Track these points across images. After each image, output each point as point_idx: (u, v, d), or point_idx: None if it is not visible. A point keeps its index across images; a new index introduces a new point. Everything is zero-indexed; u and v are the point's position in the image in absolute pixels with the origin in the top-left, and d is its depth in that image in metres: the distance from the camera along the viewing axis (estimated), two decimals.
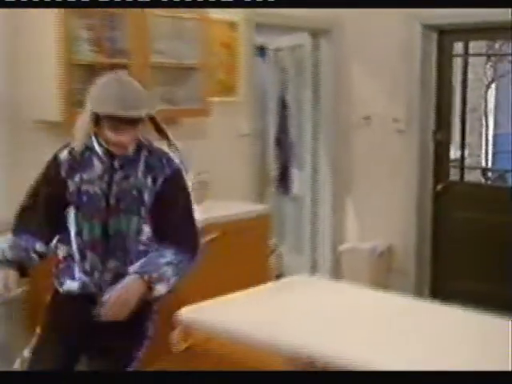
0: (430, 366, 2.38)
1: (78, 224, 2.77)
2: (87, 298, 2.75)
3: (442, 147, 5.92)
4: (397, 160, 5.90)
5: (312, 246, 6.39)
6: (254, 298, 3.10)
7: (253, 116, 5.55)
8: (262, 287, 3.37)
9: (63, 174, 2.77)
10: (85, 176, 2.75)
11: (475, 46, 6.03)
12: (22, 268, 2.73)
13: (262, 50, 6.46)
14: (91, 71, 4.27)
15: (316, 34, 6.12)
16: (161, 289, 2.66)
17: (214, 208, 4.70)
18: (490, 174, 10.21)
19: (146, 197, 2.74)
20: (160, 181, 2.75)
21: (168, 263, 2.66)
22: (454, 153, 6.06)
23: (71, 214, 2.78)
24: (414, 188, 5.87)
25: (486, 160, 11.92)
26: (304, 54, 6.27)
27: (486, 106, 12.02)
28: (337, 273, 6.07)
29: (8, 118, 4.07)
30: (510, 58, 6.89)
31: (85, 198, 2.74)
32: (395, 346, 2.57)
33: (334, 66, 6.10)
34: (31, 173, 2.89)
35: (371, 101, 5.99)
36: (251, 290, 3.19)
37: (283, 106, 6.72)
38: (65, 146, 2.83)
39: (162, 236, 2.75)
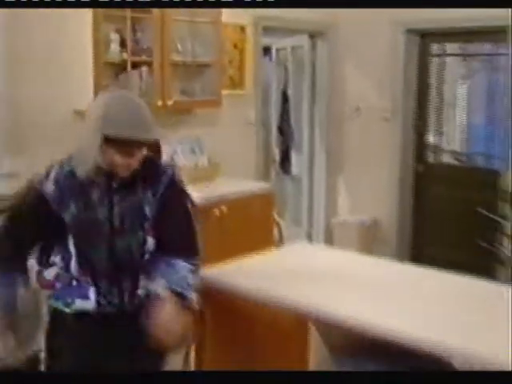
0: (420, 317, 2.40)
1: (80, 251, 2.29)
2: (104, 317, 2.31)
3: (421, 134, 5.93)
4: (383, 145, 5.90)
5: (308, 219, 6.42)
6: (261, 262, 3.10)
7: (258, 107, 5.56)
8: (267, 253, 3.37)
9: (54, 207, 2.26)
10: (81, 203, 2.26)
11: (451, 47, 6.02)
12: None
13: (267, 50, 6.44)
14: (119, 68, 4.30)
15: (314, 36, 6.10)
16: (193, 296, 2.27)
17: (224, 186, 4.76)
18: (462, 157, 10.19)
19: (148, 211, 2.29)
20: (160, 191, 2.31)
21: (189, 270, 2.27)
22: (433, 139, 6.07)
23: (70, 241, 2.29)
24: (397, 169, 5.88)
25: (460, 145, 11.90)
26: (303, 53, 6.25)
27: (460, 99, 11.99)
28: (329, 242, 6.10)
29: (52, 108, 4.14)
30: (481, 57, 6.96)
31: (86, 226, 2.27)
32: (386, 303, 2.55)
33: (329, 65, 6.08)
34: None
35: (361, 94, 5.98)
36: (258, 256, 3.18)
37: (284, 98, 6.71)
38: (47, 174, 2.28)
39: (168, 244, 2.32)
